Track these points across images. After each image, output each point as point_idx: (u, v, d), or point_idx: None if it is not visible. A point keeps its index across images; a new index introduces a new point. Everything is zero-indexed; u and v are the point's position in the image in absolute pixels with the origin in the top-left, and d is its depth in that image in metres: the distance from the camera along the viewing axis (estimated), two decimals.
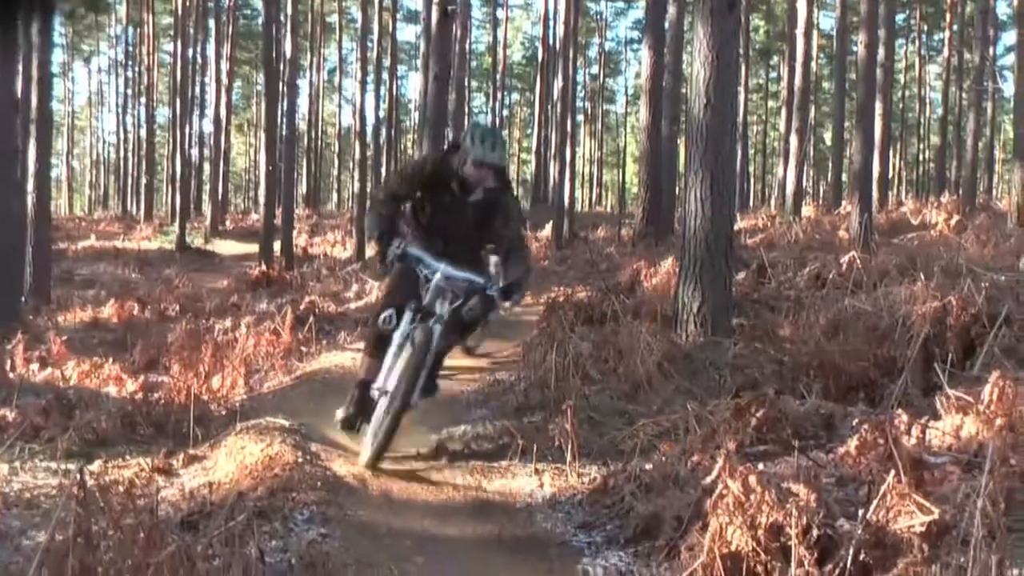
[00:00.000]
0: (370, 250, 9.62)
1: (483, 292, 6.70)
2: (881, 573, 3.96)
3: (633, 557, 4.93)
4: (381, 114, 37.29)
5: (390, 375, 6.60)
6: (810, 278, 12.52)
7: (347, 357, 10.28)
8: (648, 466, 5.70)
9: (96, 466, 6.43)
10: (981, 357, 7.35)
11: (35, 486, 6.18)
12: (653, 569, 4.73)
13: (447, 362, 7.77)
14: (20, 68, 16.08)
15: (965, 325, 7.83)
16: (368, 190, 26.30)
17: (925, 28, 53.42)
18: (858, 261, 12.06)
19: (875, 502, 4.26)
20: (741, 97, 31.16)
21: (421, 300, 6.69)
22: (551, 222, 26.25)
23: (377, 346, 6.92)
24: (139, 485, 5.80)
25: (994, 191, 41.65)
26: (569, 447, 6.35)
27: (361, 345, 8.09)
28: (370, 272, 10.26)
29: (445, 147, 7.98)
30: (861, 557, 4.04)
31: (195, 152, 45.05)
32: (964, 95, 40.58)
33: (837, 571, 3.97)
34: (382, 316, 6.82)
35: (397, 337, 6.67)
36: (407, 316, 6.68)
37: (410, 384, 6.42)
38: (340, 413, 6.98)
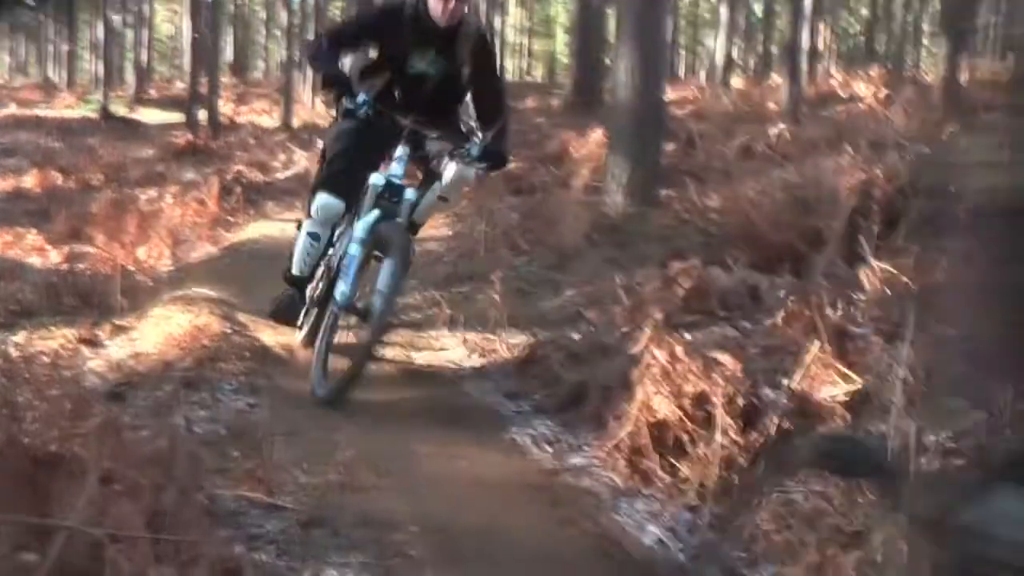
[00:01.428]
0: None
1: None
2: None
3: (561, 426, 4.99)
4: None
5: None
6: (739, 150, 12.52)
7: (275, 227, 10.21)
8: (576, 336, 5.74)
9: (20, 337, 6.36)
10: (904, 229, 7.42)
11: None
12: (580, 437, 4.79)
13: None
14: None
15: (890, 197, 7.88)
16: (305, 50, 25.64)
17: None
18: (787, 133, 12.08)
19: (799, 372, 4.33)
20: None
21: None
22: None
23: None
24: (65, 356, 5.74)
25: (921, 64, 41.70)
26: (497, 317, 6.38)
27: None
28: None
29: None
30: (784, 425, 4.11)
31: (117, 18, 43.86)
32: None
33: (761, 439, 4.04)
34: None
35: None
36: None
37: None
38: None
